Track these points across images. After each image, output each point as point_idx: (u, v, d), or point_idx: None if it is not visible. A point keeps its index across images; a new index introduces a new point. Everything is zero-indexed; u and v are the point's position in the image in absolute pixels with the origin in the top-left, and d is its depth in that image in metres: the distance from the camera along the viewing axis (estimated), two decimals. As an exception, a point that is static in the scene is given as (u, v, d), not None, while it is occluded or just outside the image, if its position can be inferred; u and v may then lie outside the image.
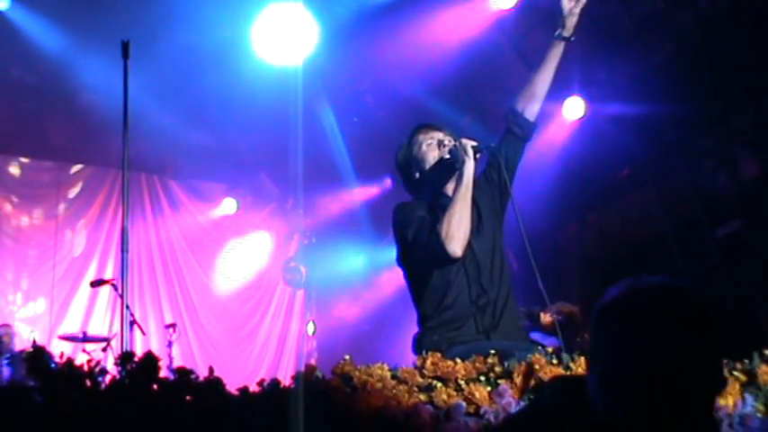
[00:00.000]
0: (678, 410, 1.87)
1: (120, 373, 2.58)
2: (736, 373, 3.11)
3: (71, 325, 9.55)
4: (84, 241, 10.39)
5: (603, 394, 1.92)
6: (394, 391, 2.86)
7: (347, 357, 2.96)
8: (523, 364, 3.03)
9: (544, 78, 4.09)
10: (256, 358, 11.23)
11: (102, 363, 2.61)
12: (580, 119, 8.97)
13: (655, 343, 1.88)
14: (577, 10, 4.04)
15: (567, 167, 9.05)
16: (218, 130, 10.36)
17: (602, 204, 9.49)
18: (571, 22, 4.04)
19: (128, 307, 4.96)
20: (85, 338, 7.93)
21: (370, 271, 11.01)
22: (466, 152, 3.84)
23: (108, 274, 9.75)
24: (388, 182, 10.49)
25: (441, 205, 3.84)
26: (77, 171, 10.61)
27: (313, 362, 10.90)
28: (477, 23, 8.53)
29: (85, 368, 2.53)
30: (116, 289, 7.26)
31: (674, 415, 1.87)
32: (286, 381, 2.84)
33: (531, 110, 4.08)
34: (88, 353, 7.47)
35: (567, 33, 4.05)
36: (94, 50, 8.44)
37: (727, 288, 7.75)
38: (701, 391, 1.89)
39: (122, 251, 4.79)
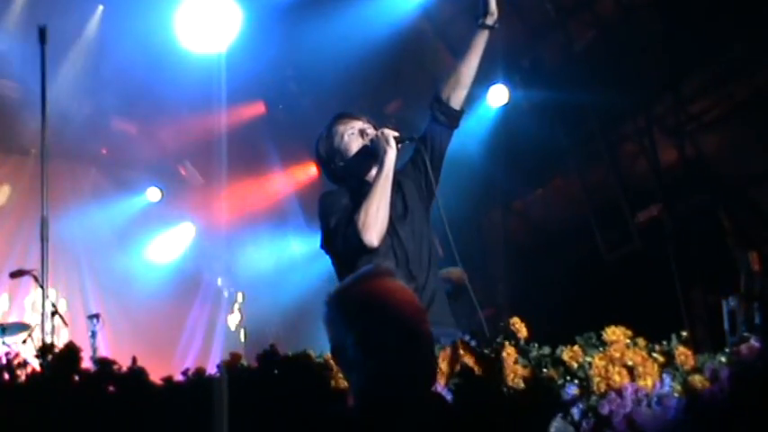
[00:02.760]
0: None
1: (40, 365, 2.53)
2: (654, 354, 3.17)
3: (-10, 317, 9.34)
4: (3, 231, 10.14)
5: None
6: (320, 376, 2.86)
7: (272, 344, 2.95)
8: (448, 349, 3.05)
9: (469, 66, 4.09)
10: (184, 347, 11.13)
11: (21, 355, 2.56)
12: (504, 106, 9.05)
13: None
14: None
15: (491, 154, 9.13)
16: (140, 118, 10.23)
17: (526, 191, 9.60)
18: (493, 6, 4.05)
19: (48, 298, 4.86)
20: (4, 331, 7.72)
21: (297, 258, 10.99)
22: (387, 142, 3.84)
23: (29, 265, 9.53)
24: (313, 169, 10.46)
25: (364, 193, 3.84)
26: (-6, 159, 10.36)
27: (239, 350, 10.84)
28: (401, 10, 8.55)
29: (3, 361, 2.48)
30: (37, 279, 7.11)
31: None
32: (213, 370, 2.82)
33: (456, 98, 4.08)
34: (8, 345, 7.31)
35: (490, 21, 4.06)
36: (11, 35, 8.27)
37: (648, 271, 7.92)
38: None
39: (42, 240, 4.69)
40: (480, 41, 4.08)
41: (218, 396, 2.57)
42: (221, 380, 2.66)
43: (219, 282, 11.58)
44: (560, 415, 3.02)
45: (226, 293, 11.62)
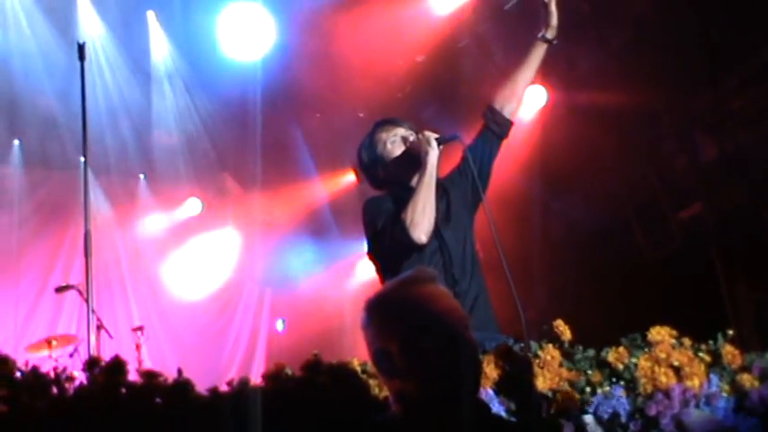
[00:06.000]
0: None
1: (87, 378, 2.56)
2: (701, 353, 3.15)
3: (37, 332, 9.43)
4: (48, 246, 10.25)
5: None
6: (364, 386, 2.86)
7: (316, 354, 2.95)
8: (492, 354, 3.04)
9: (525, 78, 4.20)
10: (227, 357, 11.18)
11: (68, 369, 2.59)
12: (542, 107, 9.04)
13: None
14: (553, 7, 4.13)
15: (530, 155, 9.10)
16: (180, 130, 10.32)
17: (565, 191, 9.53)
18: (554, 21, 4.12)
19: (94, 311, 4.91)
20: (51, 345, 7.82)
21: (338, 266, 11.02)
22: (429, 143, 3.87)
23: (73, 279, 9.63)
24: (350, 177, 10.49)
25: (408, 198, 3.85)
26: (38, 175, 10.45)
27: (283, 358, 10.86)
28: (436, 14, 8.55)
29: (52, 375, 2.51)
30: (81, 294, 7.18)
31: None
32: (257, 379, 2.83)
33: (509, 108, 4.17)
34: (55, 359, 7.41)
35: (550, 35, 4.13)
36: (51, 52, 8.38)
37: (690, 269, 7.83)
38: None
39: (86, 255, 4.74)
40: (539, 54, 4.17)
41: (261, 405, 2.58)
42: (265, 389, 2.67)
43: (261, 291, 11.61)
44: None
45: (267, 301, 11.66)
